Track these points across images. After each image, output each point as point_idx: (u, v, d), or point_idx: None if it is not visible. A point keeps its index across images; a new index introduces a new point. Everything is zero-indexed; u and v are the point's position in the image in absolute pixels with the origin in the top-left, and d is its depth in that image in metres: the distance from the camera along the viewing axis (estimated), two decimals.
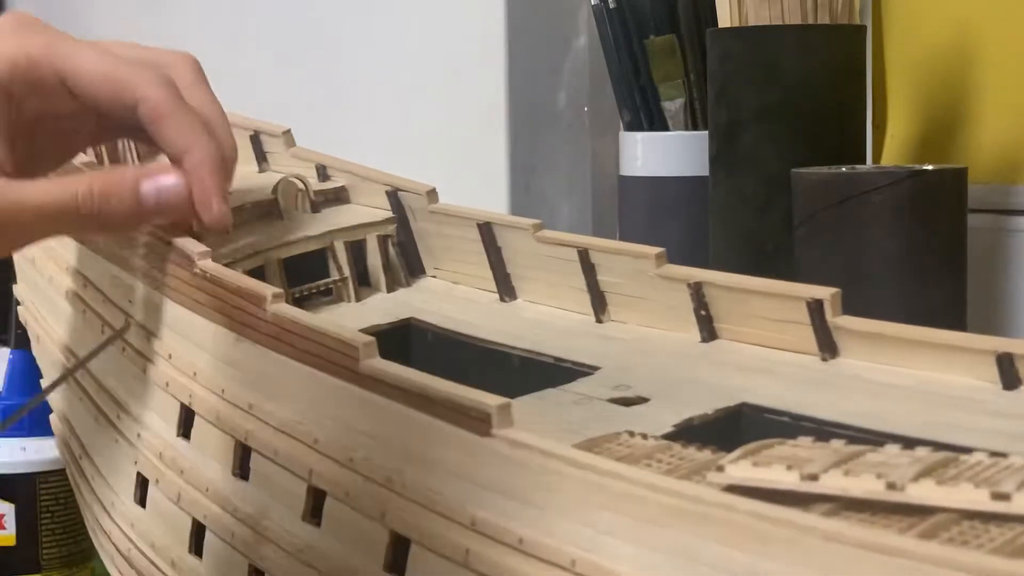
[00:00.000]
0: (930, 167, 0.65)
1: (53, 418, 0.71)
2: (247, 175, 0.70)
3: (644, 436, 0.42)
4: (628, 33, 0.82)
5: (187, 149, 0.49)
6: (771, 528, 0.31)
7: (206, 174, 0.49)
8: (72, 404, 0.66)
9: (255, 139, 0.71)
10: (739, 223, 0.72)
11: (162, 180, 0.49)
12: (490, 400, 0.39)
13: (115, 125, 0.52)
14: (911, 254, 0.64)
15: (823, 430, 0.44)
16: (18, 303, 0.74)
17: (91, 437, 0.64)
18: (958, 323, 0.65)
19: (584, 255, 0.56)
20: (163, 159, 0.75)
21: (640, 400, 0.47)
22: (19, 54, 0.49)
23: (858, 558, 0.29)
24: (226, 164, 0.51)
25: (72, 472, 0.69)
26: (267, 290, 0.50)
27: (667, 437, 0.43)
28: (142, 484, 0.57)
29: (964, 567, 0.28)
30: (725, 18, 0.73)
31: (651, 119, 0.83)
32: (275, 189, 0.65)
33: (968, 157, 0.77)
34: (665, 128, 0.82)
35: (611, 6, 0.82)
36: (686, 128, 0.82)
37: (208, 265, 0.53)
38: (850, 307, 0.49)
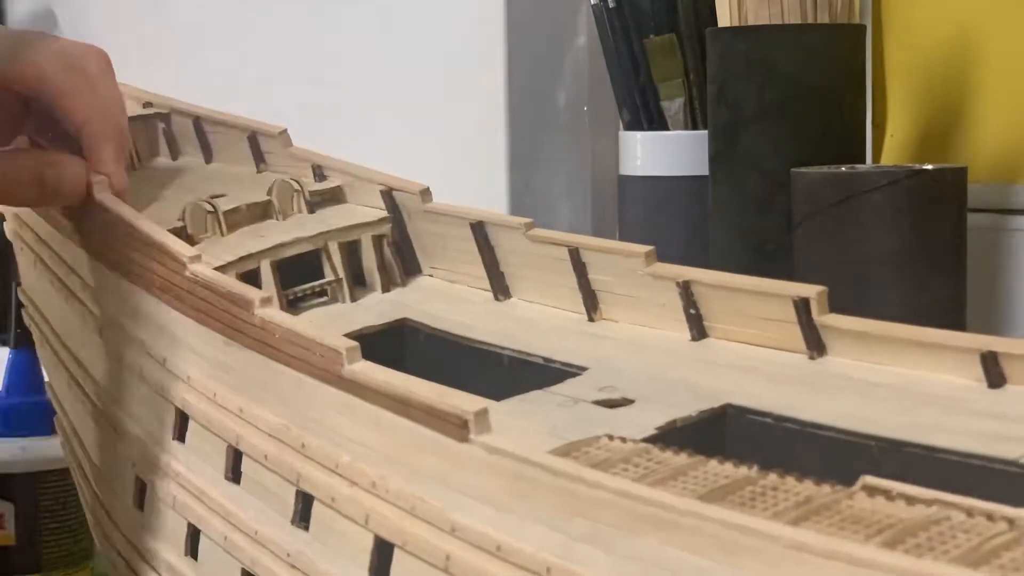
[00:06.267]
0: (930, 167, 0.65)
1: (57, 420, 0.71)
2: (244, 177, 0.71)
3: (623, 440, 0.41)
4: (628, 33, 0.82)
5: (86, 122, 0.58)
6: (739, 537, 0.31)
7: (102, 142, 0.58)
8: (74, 406, 0.67)
9: (252, 139, 0.71)
10: (739, 223, 0.72)
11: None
12: (468, 405, 0.39)
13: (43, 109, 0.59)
14: (911, 254, 0.64)
15: (806, 431, 0.44)
16: (22, 305, 0.75)
17: (91, 440, 0.64)
18: (958, 323, 0.65)
19: (575, 254, 0.56)
20: (163, 159, 0.76)
21: (625, 402, 0.47)
22: None
23: (824, 567, 0.29)
24: (121, 138, 0.59)
25: (76, 474, 0.70)
26: (254, 294, 0.50)
27: (649, 440, 0.42)
28: (140, 488, 0.57)
29: None
30: (725, 18, 0.73)
31: (651, 119, 0.82)
32: (270, 191, 0.65)
33: (968, 157, 0.77)
34: (665, 128, 0.82)
35: (611, 6, 0.82)
36: (686, 128, 0.82)
37: (199, 269, 0.53)
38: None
